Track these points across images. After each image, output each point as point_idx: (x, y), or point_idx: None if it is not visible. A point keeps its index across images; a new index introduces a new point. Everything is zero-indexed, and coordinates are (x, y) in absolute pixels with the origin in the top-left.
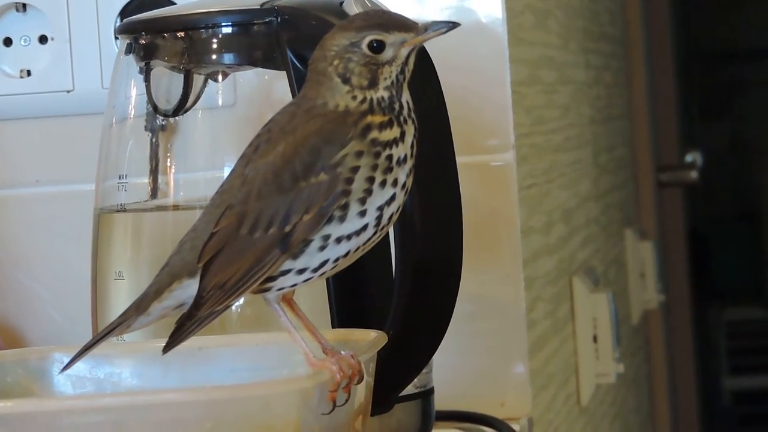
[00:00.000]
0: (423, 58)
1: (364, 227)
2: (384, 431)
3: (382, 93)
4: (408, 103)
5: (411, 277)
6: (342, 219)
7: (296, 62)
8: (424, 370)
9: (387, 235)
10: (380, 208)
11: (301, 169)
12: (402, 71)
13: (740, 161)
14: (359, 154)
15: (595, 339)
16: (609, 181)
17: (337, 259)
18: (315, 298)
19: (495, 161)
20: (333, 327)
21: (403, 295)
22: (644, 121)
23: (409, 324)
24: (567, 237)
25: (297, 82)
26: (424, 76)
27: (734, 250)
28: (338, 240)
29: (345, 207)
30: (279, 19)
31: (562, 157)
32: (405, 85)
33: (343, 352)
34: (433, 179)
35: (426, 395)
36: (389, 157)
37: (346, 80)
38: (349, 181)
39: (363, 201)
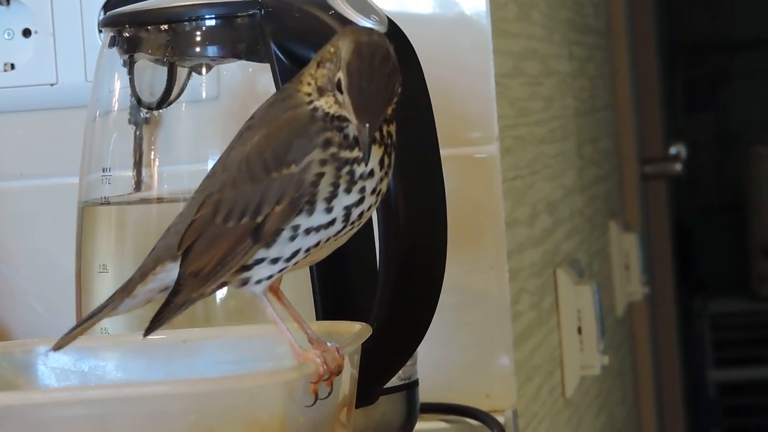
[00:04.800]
0: (406, 50)
1: (332, 221)
2: (369, 423)
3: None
4: (390, 128)
5: (395, 269)
6: (310, 212)
7: (280, 55)
8: (408, 362)
9: (371, 226)
10: (347, 208)
11: (273, 160)
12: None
13: (724, 153)
14: (323, 163)
15: (579, 331)
16: (593, 172)
17: (308, 249)
18: (299, 290)
19: (479, 153)
20: (317, 319)
21: (387, 287)
22: (628, 112)
23: (394, 316)
24: (551, 229)
25: (281, 75)
26: (407, 69)
27: (719, 242)
28: (307, 231)
29: (312, 202)
30: (262, 12)
31: (546, 149)
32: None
33: (329, 344)
34: (417, 171)
35: (411, 387)
36: (351, 173)
37: (320, 92)
38: (315, 183)
39: (329, 200)
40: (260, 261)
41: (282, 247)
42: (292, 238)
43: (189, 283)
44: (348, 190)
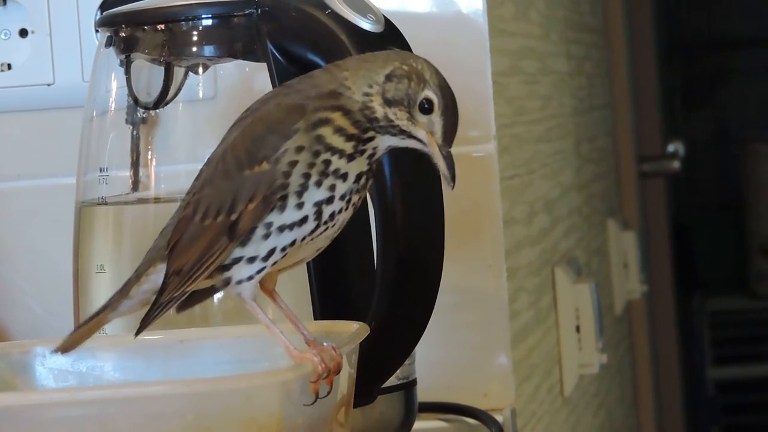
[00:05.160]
0: (403, 49)
1: (304, 219)
2: (367, 423)
3: (378, 133)
4: (378, 155)
5: (393, 269)
6: (282, 209)
7: (276, 54)
8: (406, 362)
9: (368, 225)
10: (318, 204)
11: (246, 157)
12: (405, 135)
13: (722, 151)
14: (299, 149)
15: (578, 329)
16: (591, 171)
17: (284, 248)
18: (297, 290)
19: (476, 152)
20: (315, 319)
21: (385, 286)
22: (626, 111)
23: (392, 315)
24: (549, 227)
25: (278, 74)
26: None
27: (717, 240)
28: (281, 229)
29: (284, 198)
30: (259, 11)
31: (544, 147)
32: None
33: (325, 344)
34: (414, 170)
35: (409, 387)
36: (326, 162)
37: (388, 102)
38: (287, 174)
39: (300, 195)
40: (238, 260)
41: (257, 246)
42: (266, 236)
43: (173, 282)
44: (318, 183)
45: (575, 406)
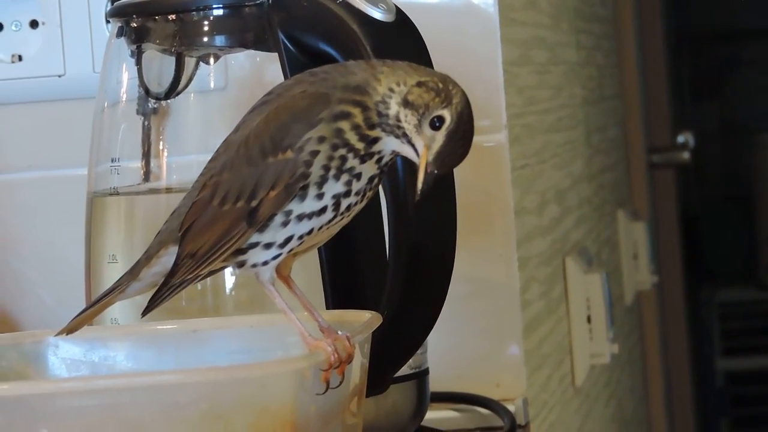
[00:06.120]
0: (414, 39)
1: (323, 209)
2: (380, 412)
3: (387, 140)
4: (392, 159)
5: (405, 257)
6: (302, 198)
7: (288, 44)
8: (418, 351)
9: (380, 214)
10: (336, 197)
11: (270, 144)
12: (405, 140)
13: (731, 142)
14: (321, 140)
15: (588, 320)
16: (601, 161)
17: (301, 236)
18: (309, 279)
19: (487, 142)
20: (327, 308)
21: (397, 275)
22: (636, 101)
23: (404, 304)
24: (560, 217)
25: (289, 64)
26: (416, 56)
27: (726, 231)
28: (300, 217)
29: (305, 187)
30: (270, 1)
31: (555, 137)
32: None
33: (339, 332)
34: None
35: (421, 376)
36: (342, 158)
37: (405, 103)
38: (308, 164)
39: (320, 185)
40: (254, 245)
41: (275, 233)
42: (285, 224)
43: (185, 264)
44: (336, 177)
45: (586, 396)
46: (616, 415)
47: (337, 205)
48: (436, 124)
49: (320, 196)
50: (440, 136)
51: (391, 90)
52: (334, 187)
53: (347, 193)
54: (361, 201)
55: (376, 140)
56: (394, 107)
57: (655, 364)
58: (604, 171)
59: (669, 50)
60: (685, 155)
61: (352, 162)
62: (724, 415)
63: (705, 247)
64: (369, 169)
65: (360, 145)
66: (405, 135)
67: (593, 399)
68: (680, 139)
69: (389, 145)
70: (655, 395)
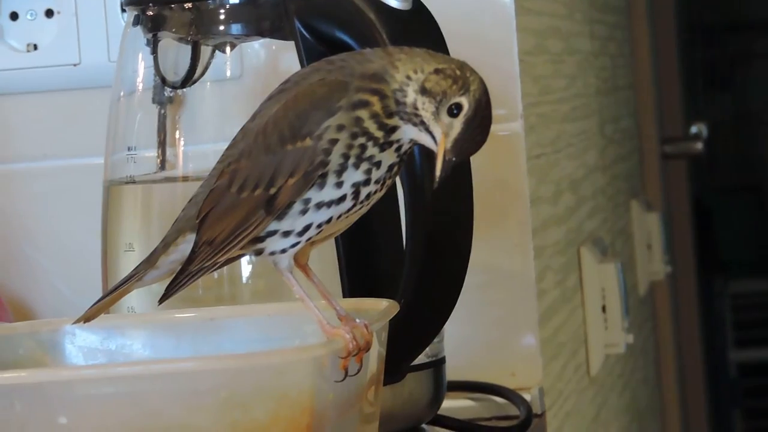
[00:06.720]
0: (431, 27)
1: (342, 197)
2: (396, 401)
3: (406, 129)
4: (411, 148)
5: (422, 245)
6: (321, 186)
7: (304, 32)
8: (435, 340)
9: (397, 203)
10: (355, 185)
11: (289, 132)
12: (423, 128)
13: (744, 133)
14: (340, 128)
15: (603, 309)
16: (615, 151)
17: (320, 225)
18: (326, 267)
19: (503, 131)
20: (344, 296)
21: (414, 263)
22: (648, 92)
23: (421, 292)
24: (575, 207)
25: (305, 52)
26: (433, 45)
27: (739, 221)
28: (318, 206)
29: (324, 176)
30: None
31: (569, 127)
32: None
33: (357, 320)
34: None
35: (438, 365)
36: (362, 147)
37: (422, 91)
38: (327, 152)
39: (339, 174)
40: (272, 233)
41: (293, 221)
42: (303, 212)
43: (203, 251)
44: (356, 165)
45: (601, 386)
46: (631, 406)
47: (356, 194)
48: (454, 111)
49: (339, 185)
50: (458, 124)
51: (409, 77)
52: (353, 176)
53: (367, 182)
54: (381, 189)
55: (394, 129)
56: (411, 95)
57: (669, 354)
58: (617, 161)
59: (682, 41)
60: (699, 146)
61: (371, 150)
62: (737, 406)
63: (717, 238)
64: (388, 157)
65: (379, 134)
66: (423, 123)
67: (608, 389)
68: (693, 129)
69: (408, 133)
70: (668, 386)
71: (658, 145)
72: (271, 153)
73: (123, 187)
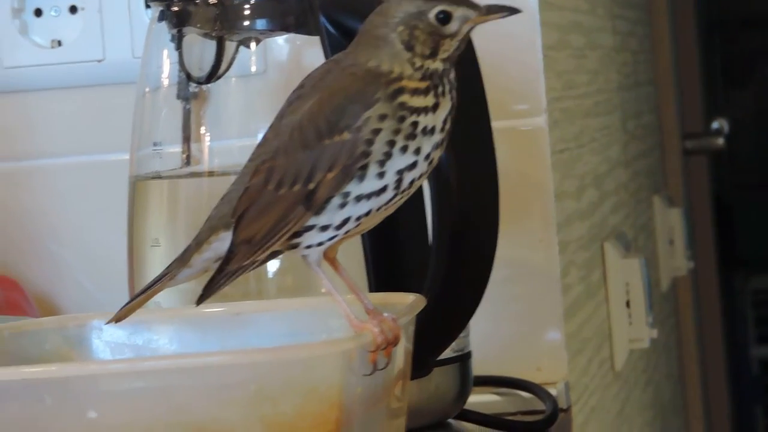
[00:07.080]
0: None
1: (383, 188)
2: (422, 395)
3: (438, 65)
4: (452, 80)
5: (448, 240)
6: (361, 178)
7: (329, 27)
8: (461, 334)
9: (422, 198)
10: (400, 172)
11: (325, 126)
12: (459, 47)
13: (765, 129)
14: (382, 117)
15: (627, 304)
16: (637, 147)
17: (359, 218)
18: (352, 262)
19: (526, 126)
20: (370, 290)
21: (440, 257)
22: (669, 87)
23: (448, 287)
24: (598, 202)
25: (330, 47)
26: None
27: (760, 217)
28: (358, 198)
29: (365, 167)
30: None
31: (592, 122)
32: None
33: (385, 314)
34: (469, 142)
35: (464, 359)
36: (414, 124)
37: (409, 47)
38: (369, 142)
39: (382, 163)
40: (310, 228)
41: (332, 215)
42: (342, 206)
43: (241, 250)
44: (404, 149)
45: (625, 381)
46: (654, 401)
47: (398, 182)
48: (441, 17)
49: (381, 175)
50: (459, 13)
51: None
52: (398, 162)
53: (413, 165)
54: (427, 170)
55: (434, 84)
56: (417, 61)
57: (691, 350)
58: (639, 157)
59: (702, 37)
60: (720, 141)
61: (425, 121)
62: (759, 403)
63: (738, 234)
64: (443, 108)
65: (428, 100)
66: (445, 51)
67: (632, 384)
68: (715, 125)
69: (443, 66)
70: (691, 382)
71: (680, 140)
72: (308, 149)
73: (149, 182)
